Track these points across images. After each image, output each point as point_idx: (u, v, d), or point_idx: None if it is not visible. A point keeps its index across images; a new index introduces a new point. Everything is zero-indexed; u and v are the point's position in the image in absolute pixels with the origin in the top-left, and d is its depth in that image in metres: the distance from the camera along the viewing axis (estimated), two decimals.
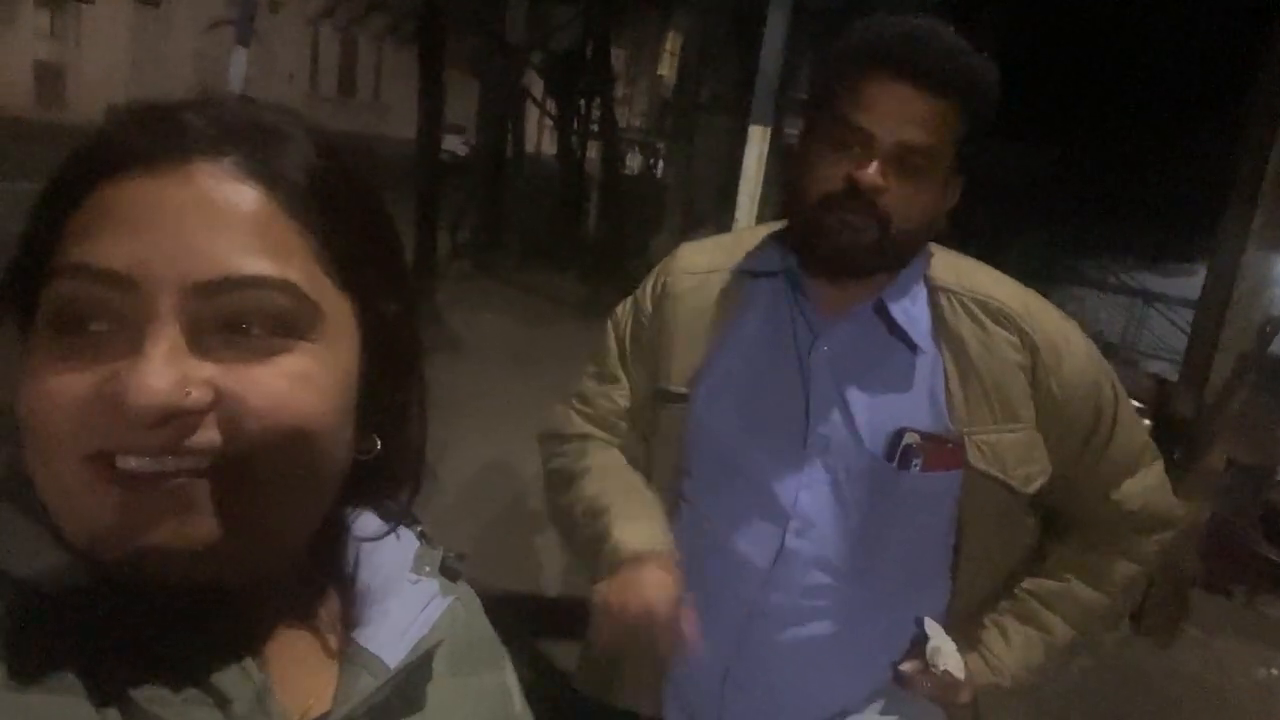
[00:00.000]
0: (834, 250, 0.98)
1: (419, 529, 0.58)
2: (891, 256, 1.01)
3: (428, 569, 0.56)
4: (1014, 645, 1.11)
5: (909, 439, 1.01)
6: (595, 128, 12.06)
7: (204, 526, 0.40)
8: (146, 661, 0.41)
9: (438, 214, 7.88)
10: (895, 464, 1.02)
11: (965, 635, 1.10)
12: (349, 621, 0.52)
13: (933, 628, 1.06)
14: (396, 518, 0.56)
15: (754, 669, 1.09)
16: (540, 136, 17.79)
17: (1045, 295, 1.11)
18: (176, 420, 0.39)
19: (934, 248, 1.09)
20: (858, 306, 1.05)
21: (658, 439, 1.16)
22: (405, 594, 0.53)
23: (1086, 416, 1.05)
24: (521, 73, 10.83)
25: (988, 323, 1.03)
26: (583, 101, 11.92)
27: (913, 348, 1.03)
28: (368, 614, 0.52)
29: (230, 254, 0.41)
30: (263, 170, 0.43)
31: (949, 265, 1.08)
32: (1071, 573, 1.13)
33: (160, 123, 0.43)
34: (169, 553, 0.40)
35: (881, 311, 1.04)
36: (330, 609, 0.53)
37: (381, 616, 0.52)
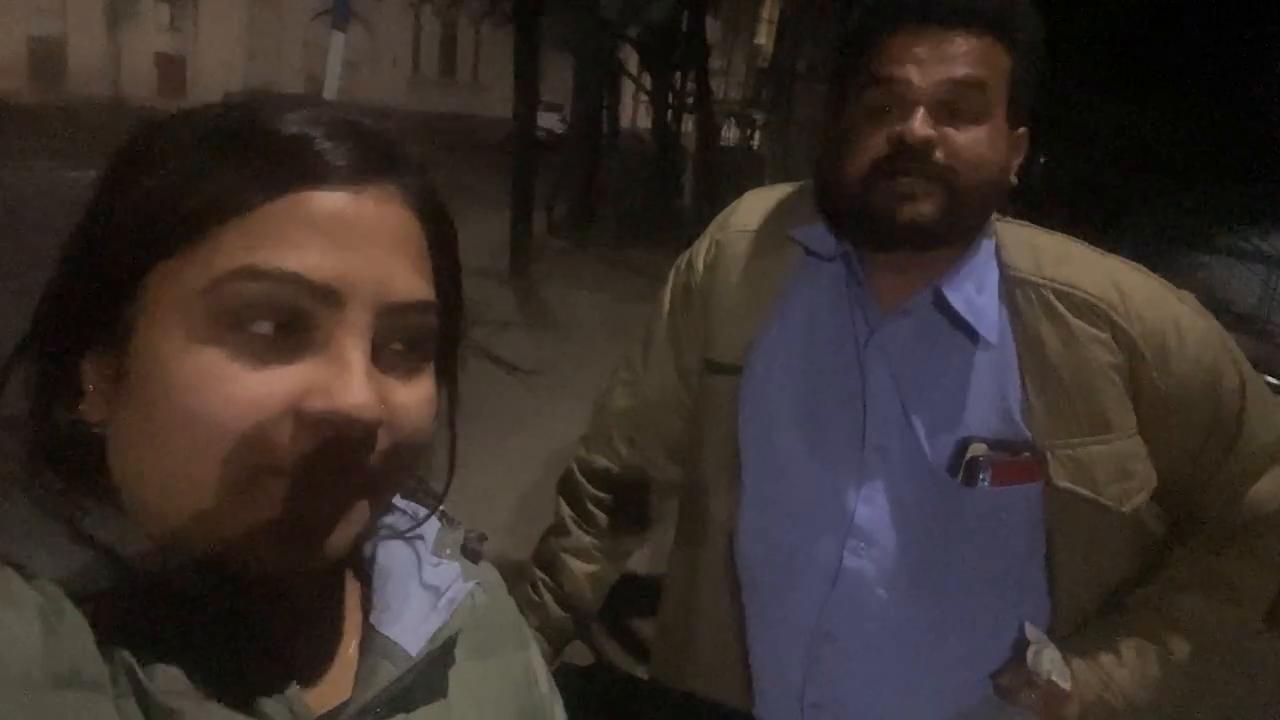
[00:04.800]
0: (895, 226, 0.86)
1: (439, 510, 0.58)
2: (961, 222, 0.88)
3: (448, 551, 0.55)
4: (1127, 662, 0.98)
5: (975, 450, 0.90)
6: (691, 100, 11.96)
7: (350, 531, 0.43)
8: (170, 660, 0.41)
9: (534, 191, 7.98)
10: (960, 479, 0.91)
11: (1072, 648, 0.99)
12: (368, 607, 0.52)
13: (1034, 633, 0.96)
14: (427, 505, 0.56)
15: (828, 690, 1.01)
16: (636, 111, 17.77)
17: (1173, 264, 0.98)
18: (371, 437, 0.41)
19: (1003, 225, 0.96)
20: (916, 297, 0.93)
21: (709, 416, 1.06)
22: (426, 578, 0.53)
23: (1204, 413, 0.92)
24: (616, 48, 10.82)
25: (1072, 319, 0.90)
26: (678, 74, 11.83)
27: (978, 342, 0.91)
28: (387, 599, 0.51)
29: (409, 278, 0.44)
30: (410, 196, 0.45)
31: (1025, 247, 0.94)
32: (1196, 582, 0.99)
33: (331, 143, 0.43)
34: (320, 557, 0.41)
35: (941, 303, 0.92)
36: (350, 594, 0.53)
37: (401, 602, 0.51)
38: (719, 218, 1.11)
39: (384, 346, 0.43)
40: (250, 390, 0.39)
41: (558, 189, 10.01)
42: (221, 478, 0.39)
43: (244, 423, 0.39)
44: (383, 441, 0.42)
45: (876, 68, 0.87)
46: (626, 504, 1.16)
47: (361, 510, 0.43)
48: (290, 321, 0.40)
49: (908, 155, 0.84)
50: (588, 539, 1.15)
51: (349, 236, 0.42)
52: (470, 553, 0.57)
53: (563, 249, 9.39)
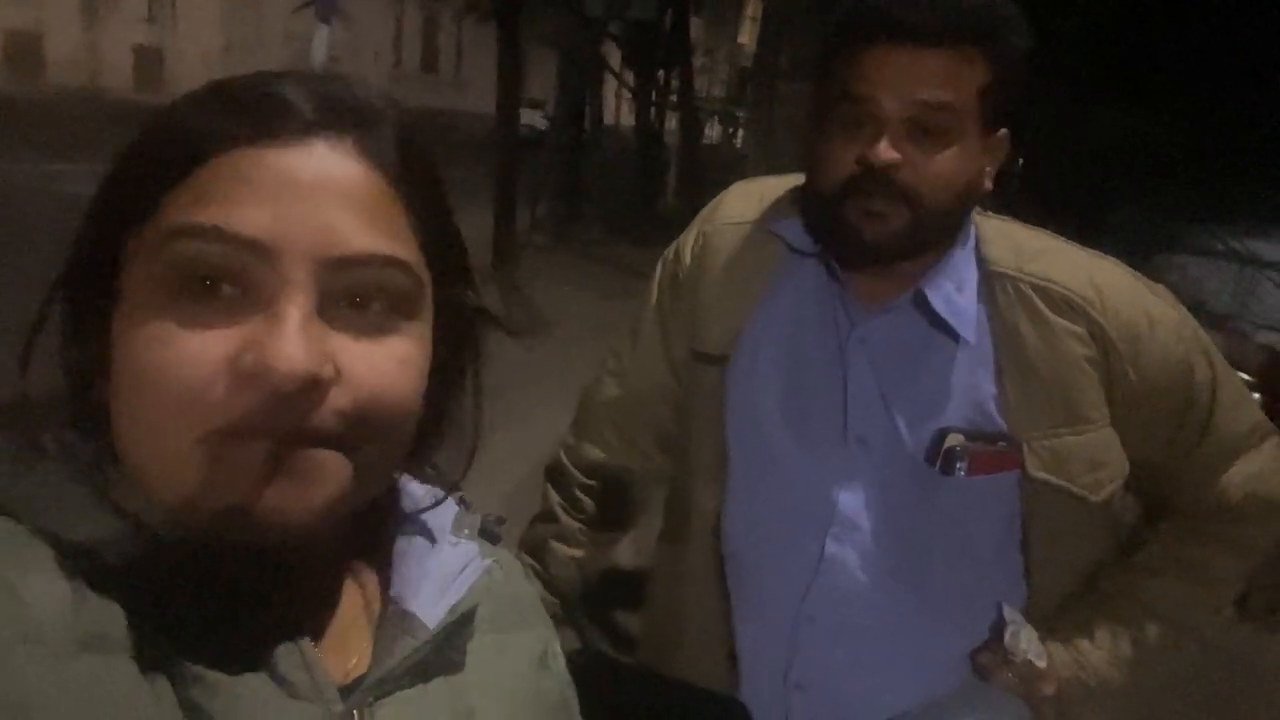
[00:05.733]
0: (863, 244, 0.90)
1: (458, 494, 0.58)
2: (929, 237, 0.91)
3: (466, 532, 0.56)
4: (1101, 643, 1.01)
5: (952, 441, 0.93)
6: (674, 98, 11.98)
7: (319, 496, 0.41)
8: (195, 626, 0.41)
9: (517, 188, 7.96)
10: (938, 468, 0.94)
11: (1048, 630, 1.02)
12: (388, 583, 0.53)
13: (1011, 614, 0.99)
14: (444, 485, 0.56)
15: (812, 672, 1.03)
16: (619, 108, 17.76)
17: (1147, 263, 1.01)
18: (311, 391, 0.40)
19: (984, 219, 0.98)
20: (898, 296, 0.95)
21: (696, 406, 1.08)
22: (444, 556, 0.54)
23: (1175, 404, 0.95)
24: (599, 44, 10.80)
25: (1049, 314, 0.92)
26: (661, 72, 11.84)
27: (957, 340, 0.94)
28: (406, 576, 0.52)
29: (358, 232, 0.42)
30: (373, 151, 0.44)
31: (1006, 241, 0.97)
32: (1167, 567, 1.02)
33: (286, 98, 0.43)
34: (287, 519, 0.41)
35: (921, 302, 0.94)
36: (370, 569, 0.54)
37: (420, 579, 0.52)
38: (706, 209, 1.13)
39: (336, 302, 0.42)
40: (186, 351, 0.39)
41: (541, 186, 9.99)
42: (170, 441, 0.40)
43: (179, 383, 0.39)
44: (337, 399, 0.41)
45: (848, 83, 0.88)
46: (613, 492, 1.17)
47: (335, 469, 0.42)
48: (227, 280, 0.40)
49: (873, 177, 0.87)
50: (575, 525, 1.16)
51: (284, 190, 0.41)
52: (489, 534, 0.58)
53: (546, 246, 9.37)
